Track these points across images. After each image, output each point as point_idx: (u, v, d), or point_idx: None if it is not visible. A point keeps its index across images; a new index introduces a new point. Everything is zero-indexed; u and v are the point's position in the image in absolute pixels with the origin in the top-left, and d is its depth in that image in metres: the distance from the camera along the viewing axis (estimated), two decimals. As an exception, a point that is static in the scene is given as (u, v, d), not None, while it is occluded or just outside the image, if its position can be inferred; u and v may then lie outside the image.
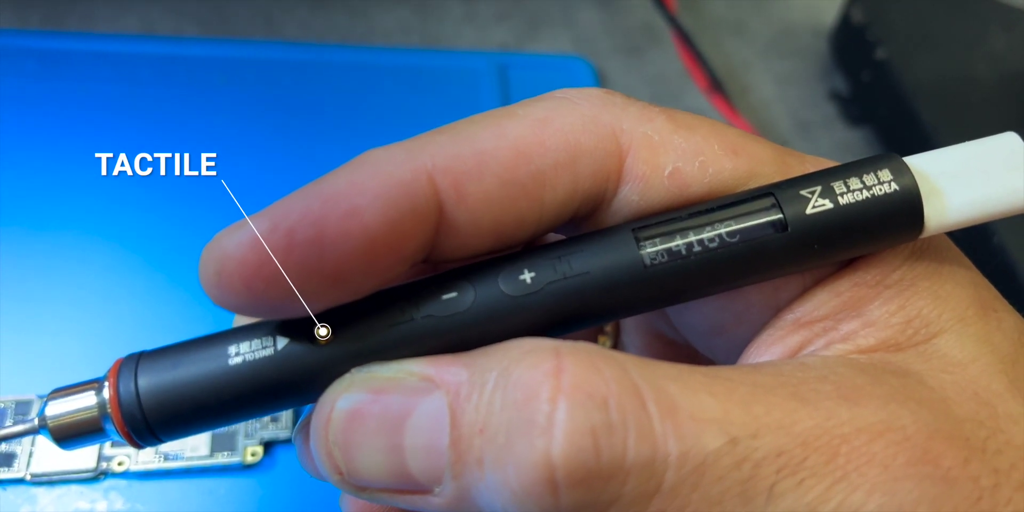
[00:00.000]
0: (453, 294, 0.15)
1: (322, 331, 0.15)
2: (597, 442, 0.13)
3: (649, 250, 0.15)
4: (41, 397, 0.28)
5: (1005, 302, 0.17)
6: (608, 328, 0.24)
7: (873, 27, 0.44)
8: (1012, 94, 0.42)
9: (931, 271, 0.16)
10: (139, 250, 0.33)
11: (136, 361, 0.16)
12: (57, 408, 0.16)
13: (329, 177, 0.15)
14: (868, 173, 0.15)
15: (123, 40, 0.40)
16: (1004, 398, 0.15)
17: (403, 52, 0.43)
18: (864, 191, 0.15)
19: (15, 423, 0.16)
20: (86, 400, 0.16)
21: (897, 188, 0.15)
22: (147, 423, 0.15)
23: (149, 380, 0.15)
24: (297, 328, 0.15)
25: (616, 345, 0.25)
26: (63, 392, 0.16)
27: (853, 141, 0.45)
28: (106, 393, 0.15)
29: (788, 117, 0.46)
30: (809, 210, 0.15)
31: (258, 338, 0.15)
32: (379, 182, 0.15)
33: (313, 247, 0.14)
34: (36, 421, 0.16)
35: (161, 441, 0.16)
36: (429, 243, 0.16)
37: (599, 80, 0.45)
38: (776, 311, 0.17)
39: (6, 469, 0.26)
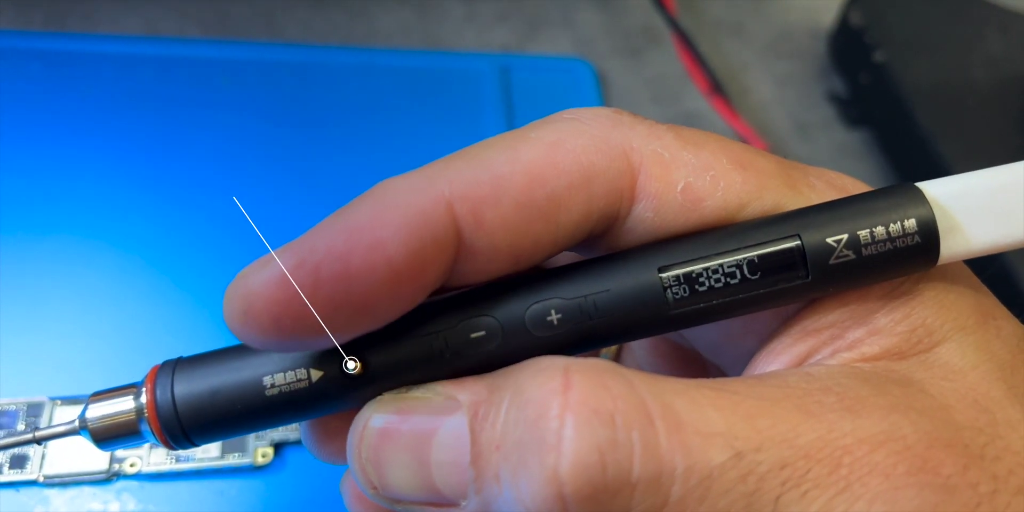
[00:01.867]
0: (481, 333, 0.16)
1: (351, 365, 0.16)
2: (603, 458, 0.13)
3: (674, 291, 0.16)
4: (52, 399, 0.28)
5: (1004, 309, 0.18)
6: None
7: (871, 30, 0.44)
8: (1008, 97, 0.43)
9: (935, 280, 0.17)
10: (145, 251, 0.33)
11: (172, 369, 0.16)
12: (97, 411, 0.16)
13: (350, 210, 0.15)
14: (894, 221, 0.16)
15: (125, 41, 0.41)
16: (1003, 405, 0.15)
17: (406, 54, 0.43)
18: (888, 243, 0.16)
19: (56, 425, 0.17)
20: (124, 404, 0.16)
21: (920, 240, 0.16)
22: (183, 428, 0.16)
23: (185, 389, 0.16)
24: (330, 361, 0.16)
25: (621, 349, 0.25)
26: (102, 395, 0.17)
27: (851, 143, 0.46)
28: (143, 398, 0.16)
29: (787, 118, 0.46)
30: (832, 260, 0.16)
31: (292, 370, 0.16)
32: (400, 214, 0.15)
33: (340, 282, 0.14)
34: (77, 423, 0.17)
35: (195, 444, 0.16)
36: (449, 269, 0.16)
37: (600, 82, 0.45)
38: (784, 320, 0.18)
39: (19, 471, 0.27)
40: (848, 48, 0.47)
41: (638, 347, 0.24)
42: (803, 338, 0.17)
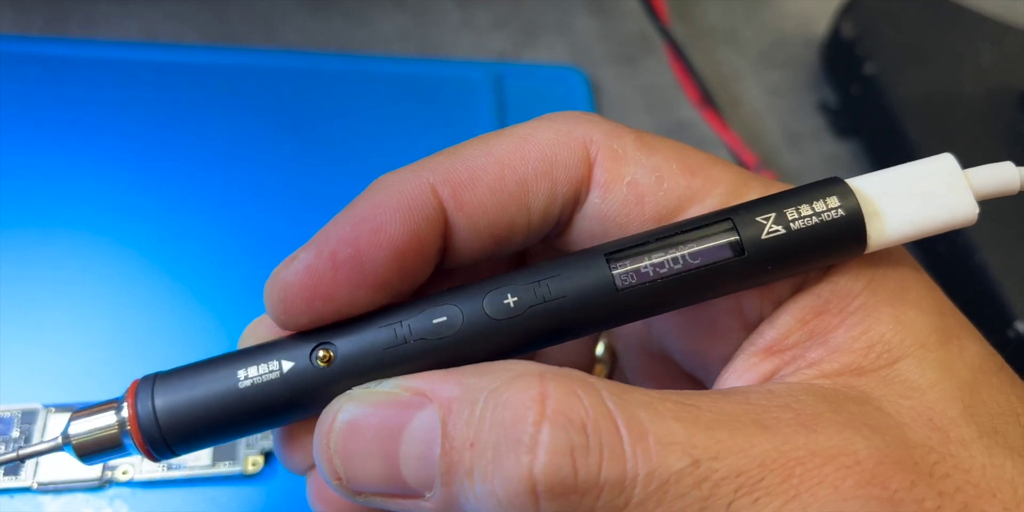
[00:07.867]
0: (443, 318, 0.17)
1: (320, 352, 0.17)
2: (575, 461, 0.14)
3: (620, 273, 0.17)
4: (47, 406, 0.29)
5: (971, 329, 0.18)
6: (604, 356, 0.25)
7: (862, 42, 0.44)
8: (997, 108, 0.43)
9: (894, 297, 0.17)
10: (141, 258, 0.34)
11: (152, 382, 0.17)
12: (79, 427, 0.17)
13: (355, 203, 0.18)
14: (817, 200, 0.17)
15: (124, 46, 0.41)
16: (957, 424, 0.16)
17: (402, 61, 0.44)
18: (814, 217, 0.17)
19: (39, 442, 0.18)
20: (106, 419, 0.17)
21: (843, 213, 0.17)
22: (164, 439, 0.17)
23: (165, 400, 0.17)
24: (301, 352, 0.17)
25: (614, 367, 0.26)
26: (84, 412, 0.17)
27: (841, 153, 0.46)
28: (125, 412, 0.17)
29: (778, 128, 0.47)
30: (764, 235, 0.17)
31: (265, 363, 0.17)
32: (395, 200, 0.17)
33: (354, 263, 0.17)
34: (60, 439, 0.17)
35: (176, 454, 0.17)
36: (443, 245, 0.18)
37: (593, 90, 0.45)
38: (746, 331, 0.19)
39: (13, 478, 0.27)
40: (839, 59, 0.47)
41: (628, 366, 0.25)
42: (768, 358, 0.18)
